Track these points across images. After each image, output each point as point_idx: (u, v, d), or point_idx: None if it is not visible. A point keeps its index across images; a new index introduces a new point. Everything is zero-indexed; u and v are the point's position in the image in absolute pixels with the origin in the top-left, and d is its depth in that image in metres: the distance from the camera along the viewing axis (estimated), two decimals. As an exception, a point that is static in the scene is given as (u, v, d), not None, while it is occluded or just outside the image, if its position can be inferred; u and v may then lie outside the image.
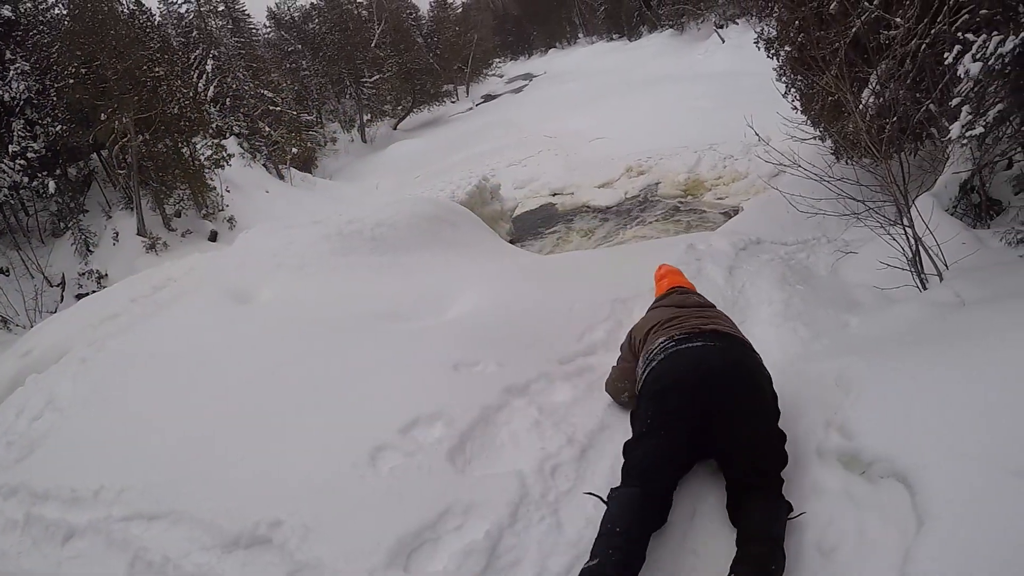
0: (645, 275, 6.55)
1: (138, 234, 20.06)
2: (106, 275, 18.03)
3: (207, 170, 22.89)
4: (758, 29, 12.23)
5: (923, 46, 7.35)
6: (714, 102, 16.45)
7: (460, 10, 54.38)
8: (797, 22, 10.35)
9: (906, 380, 3.91)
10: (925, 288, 6.30)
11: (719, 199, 11.88)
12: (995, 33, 5.33)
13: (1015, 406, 3.23)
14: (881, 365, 4.22)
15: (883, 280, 6.74)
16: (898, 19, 7.70)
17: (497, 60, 45.67)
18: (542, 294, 6.44)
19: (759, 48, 11.94)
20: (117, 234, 20.05)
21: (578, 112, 20.22)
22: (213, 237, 21.64)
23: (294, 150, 24.63)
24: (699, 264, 7.14)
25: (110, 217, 20.97)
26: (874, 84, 7.89)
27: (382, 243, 8.00)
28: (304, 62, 38.89)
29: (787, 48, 10.92)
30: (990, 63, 5.36)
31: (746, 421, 3.80)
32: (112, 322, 7.88)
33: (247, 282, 7.74)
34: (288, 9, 43.27)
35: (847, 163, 9.37)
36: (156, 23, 29.85)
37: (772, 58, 11.75)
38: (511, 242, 11.55)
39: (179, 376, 5.92)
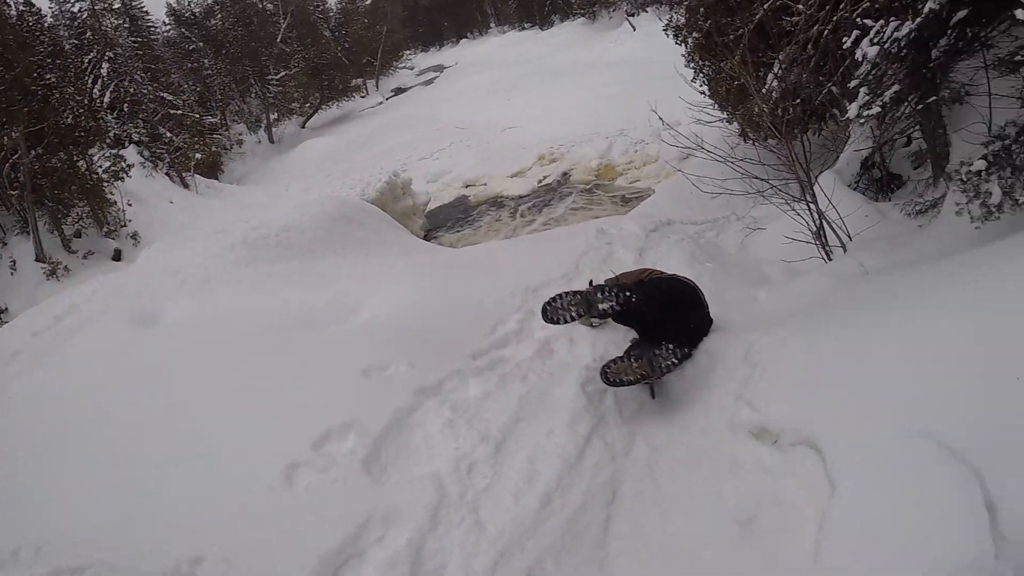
0: (556, 262, 6.54)
1: (37, 260, 18.31)
2: (5, 310, 16.44)
3: (106, 184, 21.15)
4: (667, 17, 12.38)
5: (824, 32, 7.50)
6: (625, 89, 16.57)
7: (369, 2, 53.34)
8: (704, 9, 10.52)
9: (811, 351, 3.99)
10: (830, 260, 6.45)
11: (631, 183, 11.97)
12: (892, 19, 5.48)
13: (917, 369, 3.26)
14: (787, 337, 4.29)
15: (790, 254, 6.89)
16: (800, 6, 7.85)
17: (407, 52, 44.96)
18: (453, 289, 6.33)
19: (668, 35, 12.09)
20: (14, 262, 18.25)
21: (490, 102, 20.16)
22: (117, 256, 19.93)
23: (198, 156, 23.35)
24: (609, 248, 7.13)
25: (5, 244, 19.05)
26: (777, 68, 8.04)
27: (289, 249, 7.73)
28: (206, 61, 37.24)
29: (695, 35, 11.07)
30: (887, 47, 5.52)
31: None
32: (14, 362, 7.34)
33: (152, 303, 7.32)
34: (189, 5, 41.52)
35: (753, 144, 9.55)
36: (47, 25, 27.50)
37: (680, 44, 11.86)
38: (425, 237, 11.42)
39: (87, 416, 5.49)
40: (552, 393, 4.66)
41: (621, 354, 4.51)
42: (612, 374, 4.37)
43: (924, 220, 6.22)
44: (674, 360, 4.40)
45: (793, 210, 6.65)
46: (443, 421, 4.40)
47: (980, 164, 4.60)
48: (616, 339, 5.29)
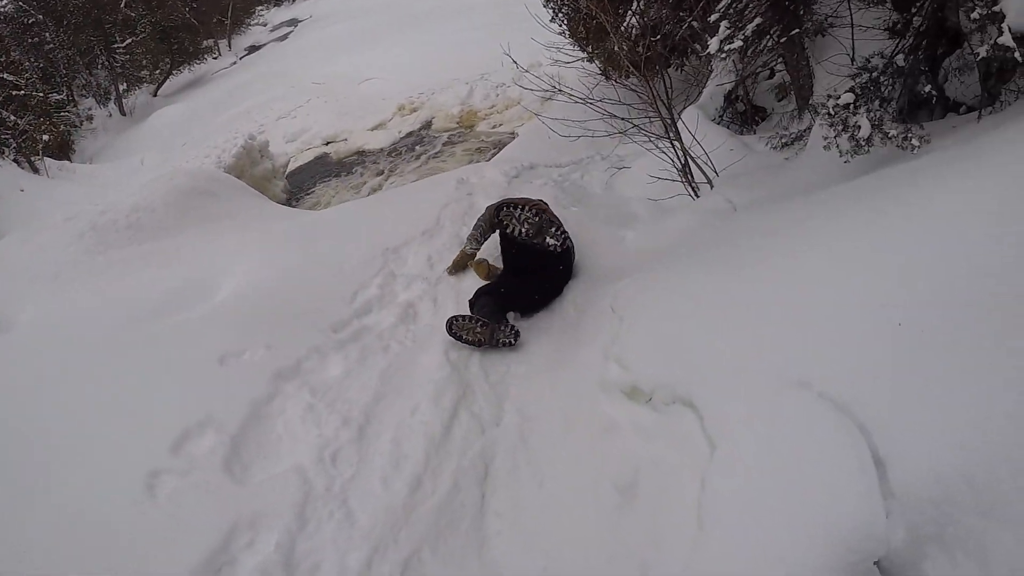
0: (416, 218, 6.10)
1: None
2: None
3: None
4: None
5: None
6: (484, 32, 15.90)
7: (216, -44, 50.28)
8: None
9: (679, 297, 3.71)
10: (697, 196, 6.25)
11: (494, 128, 11.55)
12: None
13: (792, 313, 3.01)
14: (651, 285, 4.02)
15: (657, 192, 6.65)
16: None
17: (260, 8, 42.13)
18: (312, 256, 5.81)
19: (527, -26, 11.56)
20: None
21: (347, 55, 18.91)
22: (-34, 259, 17.83)
23: (46, 137, 21.42)
24: (470, 199, 6.66)
25: None
26: (636, 6, 7.73)
27: (140, 231, 6.85)
28: (48, 34, 34.05)
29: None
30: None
31: None
32: None
33: (5, 306, 6.54)
34: (24, -25, 37.72)
35: (613, 84, 9.29)
36: None
37: (539, -17, 11.40)
38: (287, 200, 10.72)
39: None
40: (416, 363, 4.29)
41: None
42: (457, 328, 4.42)
43: (790, 153, 6.06)
44: (511, 341, 4.43)
45: (658, 148, 6.41)
46: (303, 407, 3.96)
47: (848, 97, 4.39)
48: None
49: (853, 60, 5.45)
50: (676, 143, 6.18)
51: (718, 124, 7.57)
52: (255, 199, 8.01)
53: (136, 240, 6.62)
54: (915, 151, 4.04)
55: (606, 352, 3.74)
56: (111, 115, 23.45)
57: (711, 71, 8.73)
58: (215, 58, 32.44)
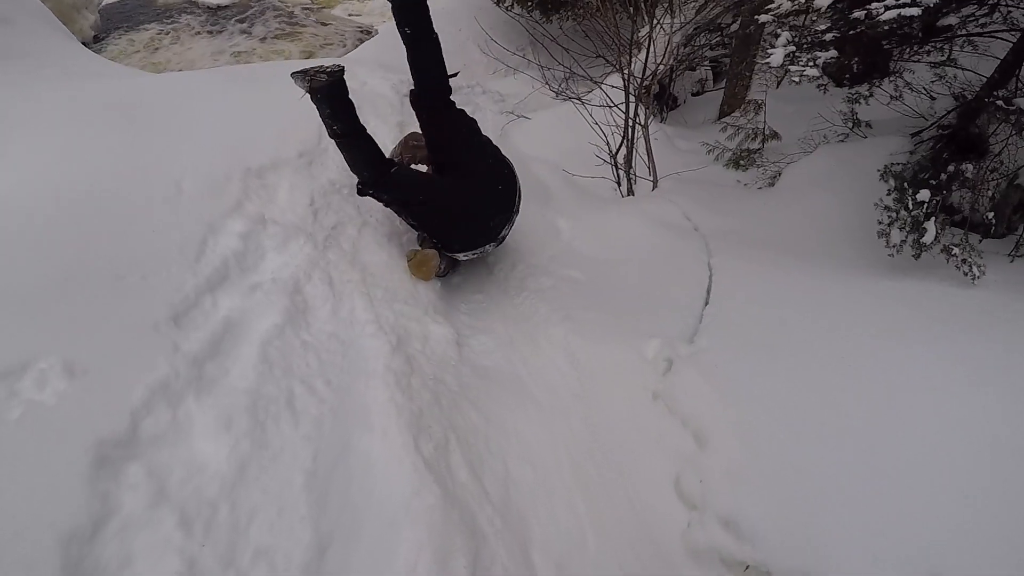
0: (287, 128, 3.92)
1: None
2: None
3: None
4: None
5: None
6: None
7: None
8: None
9: (776, 421, 2.27)
10: (631, 193, 4.70)
11: (351, 15, 9.05)
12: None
13: (913, 486, 1.99)
14: (729, 387, 2.47)
15: (567, 161, 5.02)
16: None
17: None
18: (135, 155, 3.23)
19: None
20: None
21: None
22: None
23: None
24: (360, 111, 4.55)
25: None
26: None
27: None
28: None
29: None
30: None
31: None
32: None
33: None
34: None
35: (507, 10, 7.38)
36: None
37: None
38: (94, 39, 7.54)
39: None
40: (354, 450, 2.18)
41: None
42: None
43: (746, 178, 4.67)
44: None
45: (585, 108, 4.72)
46: (168, 549, 1.80)
47: (925, 194, 3.20)
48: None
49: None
50: (634, 120, 4.53)
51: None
52: (63, 39, 5.03)
53: None
54: (975, 281, 2.95)
55: (685, 489, 2.17)
56: None
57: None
58: None
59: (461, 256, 3.40)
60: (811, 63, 3.42)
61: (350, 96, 3.24)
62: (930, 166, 3.38)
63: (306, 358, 2.54)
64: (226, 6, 8.89)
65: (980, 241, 3.43)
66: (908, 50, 3.89)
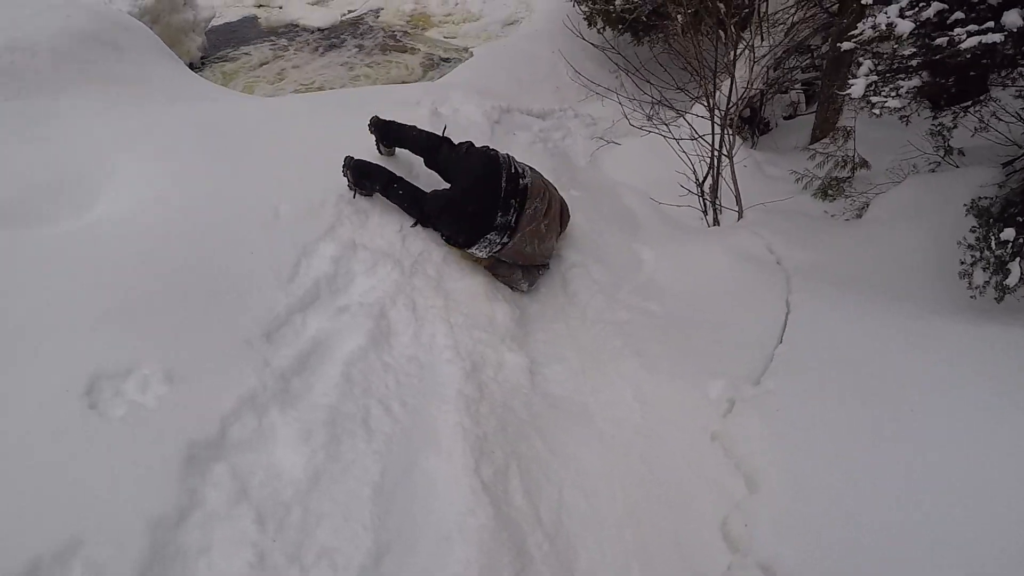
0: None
1: None
2: None
3: None
4: None
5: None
6: None
7: None
8: None
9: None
10: (717, 224, 4.72)
11: (446, 38, 9.37)
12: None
13: None
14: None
15: (652, 188, 5.08)
16: None
17: None
18: (234, 177, 3.63)
19: None
20: None
21: None
22: None
23: None
24: (452, 138, 4.76)
25: None
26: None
27: (14, 79, 4.20)
28: None
29: None
30: None
31: None
32: None
33: None
34: None
35: (600, 31, 7.49)
36: None
37: None
38: (201, 59, 8.12)
39: None
40: (419, 468, 2.39)
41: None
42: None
43: (834, 209, 4.57)
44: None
45: (672, 136, 4.75)
46: (238, 536, 2.04)
47: (1009, 234, 3.02)
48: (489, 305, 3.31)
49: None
50: (718, 147, 4.56)
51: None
52: (169, 63, 5.47)
53: (5, 92, 4.17)
54: None
55: (731, 531, 2.26)
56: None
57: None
58: None
59: (475, 251, 3.66)
60: (893, 93, 3.38)
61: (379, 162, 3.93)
62: (1019, 200, 3.27)
63: (385, 379, 2.75)
64: (326, 28, 9.36)
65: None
66: (999, 74, 3.76)
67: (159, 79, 4.94)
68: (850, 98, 3.55)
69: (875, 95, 3.45)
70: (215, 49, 8.64)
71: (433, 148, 3.95)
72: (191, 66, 7.89)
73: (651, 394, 2.90)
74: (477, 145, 3.89)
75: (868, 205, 4.32)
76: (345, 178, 3.68)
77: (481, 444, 2.48)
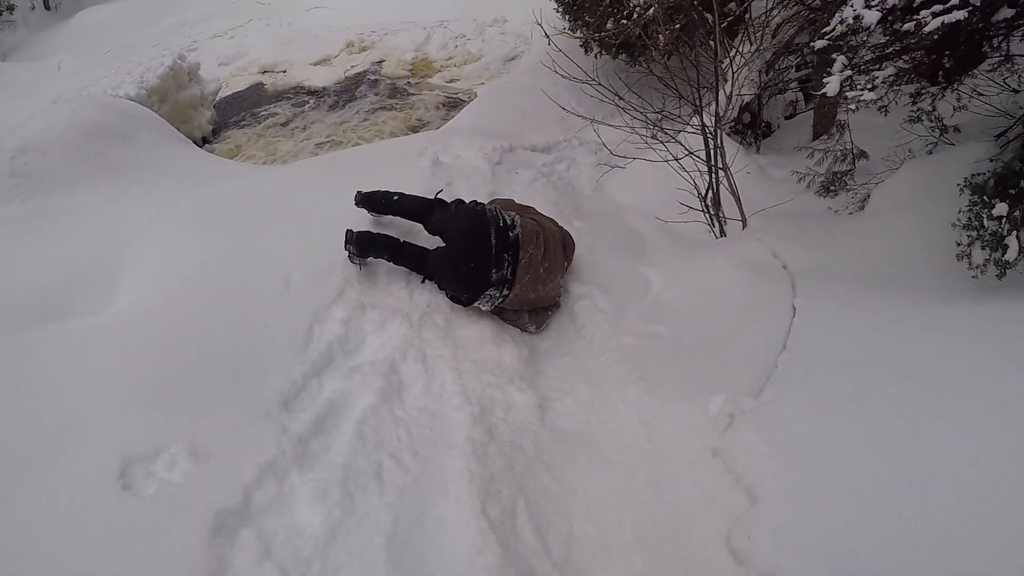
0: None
1: None
2: None
3: None
4: None
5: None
6: None
7: None
8: None
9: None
10: (723, 234, 4.77)
11: (450, 82, 9.60)
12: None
13: None
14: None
15: (659, 203, 5.13)
16: None
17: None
18: (244, 254, 3.88)
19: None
20: None
21: None
22: None
23: None
24: (451, 189, 4.91)
25: None
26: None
27: (27, 180, 4.57)
28: None
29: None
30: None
31: None
32: None
33: None
34: None
35: (596, 57, 7.61)
36: None
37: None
38: (213, 132, 8.48)
39: None
40: (431, 516, 2.54)
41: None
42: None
43: (837, 204, 4.57)
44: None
45: (672, 157, 4.81)
46: None
47: (1002, 208, 3.02)
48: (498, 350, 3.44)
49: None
50: (711, 165, 4.63)
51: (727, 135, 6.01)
52: (177, 144, 5.75)
53: (19, 194, 4.36)
54: None
55: (735, 545, 2.31)
56: (34, 7, 18.61)
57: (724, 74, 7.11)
58: (160, -45, 27.28)
59: (479, 307, 3.78)
60: (869, 86, 3.42)
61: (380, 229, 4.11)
62: (1010, 173, 3.26)
63: (397, 432, 2.91)
64: (330, 87, 9.65)
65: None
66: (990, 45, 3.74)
67: (167, 162, 5.23)
68: (826, 96, 3.60)
69: (851, 90, 3.50)
70: (226, 118, 9.02)
71: (426, 213, 4.05)
72: (204, 139, 8.29)
73: (655, 417, 2.98)
74: (468, 200, 4.04)
75: (869, 196, 4.33)
76: (347, 251, 3.82)
77: (488, 485, 2.61)
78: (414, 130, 8.13)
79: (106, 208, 4.44)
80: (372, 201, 4.18)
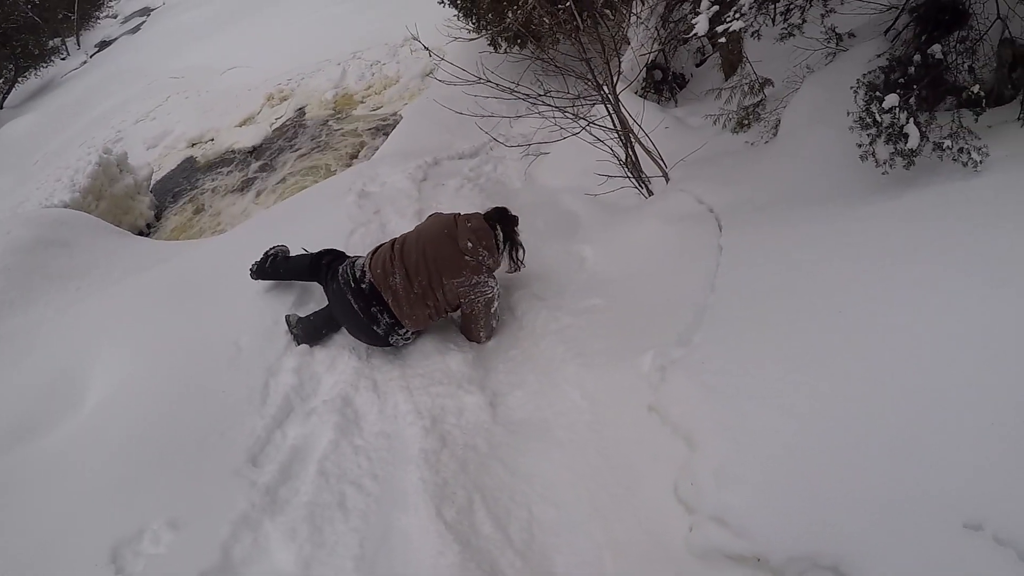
0: (314, 244, 4.44)
1: None
2: None
3: None
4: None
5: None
6: (352, 5, 13.53)
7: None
8: None
9: (773, 413, 2.35)
10: (651, 193, 4.90)
11: (374, 110, 9.70)
12: None
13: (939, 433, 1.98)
14: (718, 384, 2.60)
15: (591, 183, 5.25)
16: None
17: (109, -1, 35.85)
18: (195, 329, 4.01)
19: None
20: None
21: (206, 42, 15.05)
22: None
23: None
24: (379, 217, 5.07)
25: None
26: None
27: None
28: None
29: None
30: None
31: None
32: None
33: None
34: None
35: (504, 53, 7.73)
36: None
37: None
38: (156, 216, 8.58)
39: None
40: (396, 529, 2.68)
41: None
42: None
43: (752, 136, 4.69)
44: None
45: (587, 131, 4.94)
46: None
47: (892, 100, 3.07)
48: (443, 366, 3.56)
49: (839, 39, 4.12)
50: (615, 119, 4.76)
51: (641, 97, 6.14)
52: (116, 239, 5.85)
53: None
54: (977, 168, 2.88)
55: (682, 494, 2.40)
56: (-44, 131, 18.59)
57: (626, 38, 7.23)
58: (63, 58, 26.75)
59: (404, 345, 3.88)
60: (736, 15, 3.51)
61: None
62: (896, 63, 3.35)
63: (357, 460, 3.06)
64: (260, 144, 9.78)
65: (976, 120, 3.24)
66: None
67: (110, 258, 5.38)
68: (697, 36, 3.70)
69: (720, 24, 3.58)
70: (164, 200, 9.14)
71: (315, 274, 4.06)
72: (148, 226, 8.38)
73: (594, 389, 3.12)
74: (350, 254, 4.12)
75: (780, 121, 4.43)
76: (292, 335, 3.88)
77: (441, 490, 2.76)
78: (348, 166, 8.24)
79: (60, 319, 4.58)
80: (265, 272, 4.21)
